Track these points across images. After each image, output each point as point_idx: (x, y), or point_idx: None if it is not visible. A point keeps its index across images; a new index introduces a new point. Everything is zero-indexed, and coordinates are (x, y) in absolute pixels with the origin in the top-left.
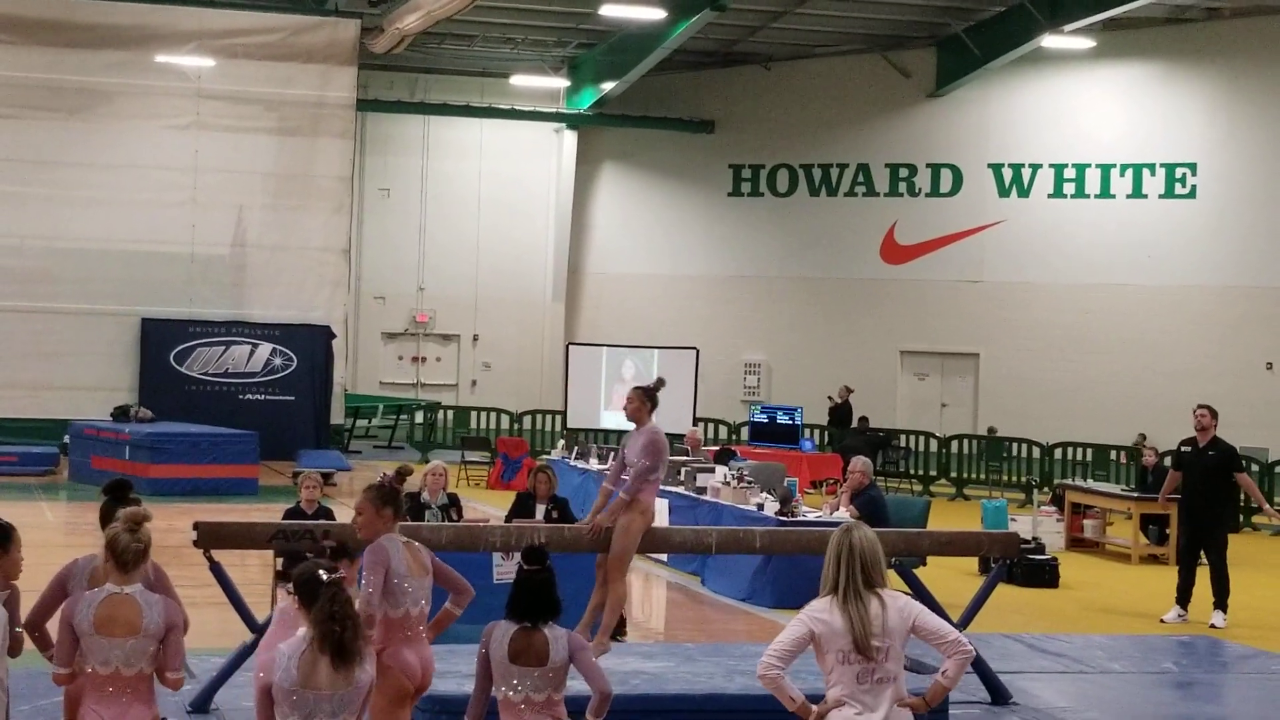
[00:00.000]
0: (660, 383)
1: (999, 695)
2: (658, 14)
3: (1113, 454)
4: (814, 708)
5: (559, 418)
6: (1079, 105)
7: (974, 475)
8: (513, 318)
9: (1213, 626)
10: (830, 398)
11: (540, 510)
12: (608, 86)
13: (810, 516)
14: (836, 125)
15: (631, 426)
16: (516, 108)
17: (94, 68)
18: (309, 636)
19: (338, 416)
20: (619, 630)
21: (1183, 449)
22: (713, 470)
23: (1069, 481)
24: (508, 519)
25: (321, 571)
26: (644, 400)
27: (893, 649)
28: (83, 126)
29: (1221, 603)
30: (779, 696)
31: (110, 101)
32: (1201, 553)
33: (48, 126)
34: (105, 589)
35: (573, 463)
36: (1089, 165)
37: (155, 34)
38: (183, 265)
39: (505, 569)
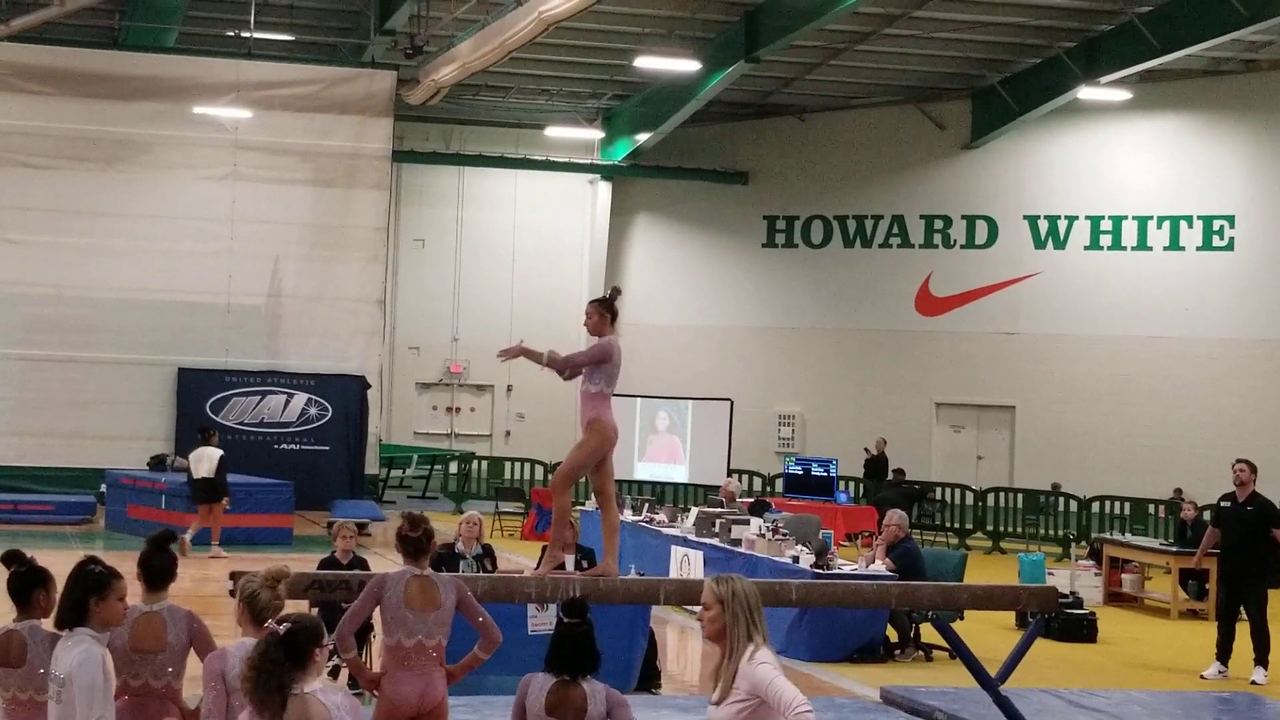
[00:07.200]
0: (615, 291)
1: None
2: (692, 66)
3: (1151, 508)
4: None
5: None
6: (1115, 157)
7: (1010, 529)
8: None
9: (1253, 683)
10: (865, 450)
11: (569, 561)
12: (642, 138)
13: (846, 569)
14: (871, 177)
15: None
16: (551, 159)
17: (132, 119)
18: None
19: (372, 466)
20: (654, 682)
21: (1222, 504)
22: (748, 522)
23: (1107, 535)
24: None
25: (270, 622)
26: (602, 312)
27: None
28: (120, 177)
29: (1262, 659)
30: None
31: (148, 152)
32: (1241, 608)
33: (86, 177)
34: (248, 643)
35: None
36: (1125, 217)
37: (193, 85)
38: (219, 315)
39: (540, 620)
